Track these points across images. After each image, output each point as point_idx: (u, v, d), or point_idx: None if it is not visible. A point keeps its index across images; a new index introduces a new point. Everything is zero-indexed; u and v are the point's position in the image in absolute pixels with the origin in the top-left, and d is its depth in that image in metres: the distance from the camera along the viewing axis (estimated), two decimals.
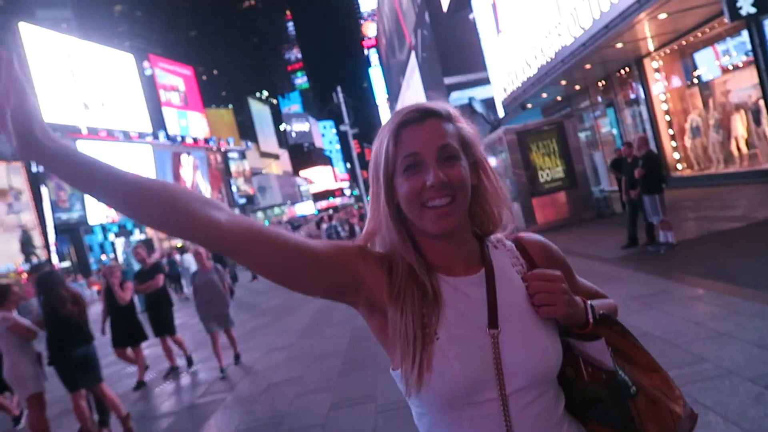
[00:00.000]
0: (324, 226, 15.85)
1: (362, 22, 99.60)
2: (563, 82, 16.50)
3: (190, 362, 7.61)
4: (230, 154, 57.26)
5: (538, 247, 1.12)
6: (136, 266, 10.30)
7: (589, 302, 1.05)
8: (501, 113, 21.72)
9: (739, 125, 12.13)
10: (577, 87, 18.19)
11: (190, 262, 20.05)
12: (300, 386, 5.57)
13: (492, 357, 0.97)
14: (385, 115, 76.67)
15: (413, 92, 42.68)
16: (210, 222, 0.92)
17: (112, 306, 6.96)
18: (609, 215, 13.06)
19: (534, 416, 0.98)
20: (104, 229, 38.56)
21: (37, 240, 32.80)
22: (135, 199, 0.91)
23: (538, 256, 1.11)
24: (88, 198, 37.13)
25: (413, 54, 38.15)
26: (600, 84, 17.64)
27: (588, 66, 14.43)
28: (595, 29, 11.40)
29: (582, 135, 18.56)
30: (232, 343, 7.33)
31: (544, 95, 18.50)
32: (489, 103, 22.30)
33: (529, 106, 19.95)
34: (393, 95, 59.62)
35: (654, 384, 1.06)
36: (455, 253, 1.05)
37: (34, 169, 34.14)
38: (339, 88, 32.91)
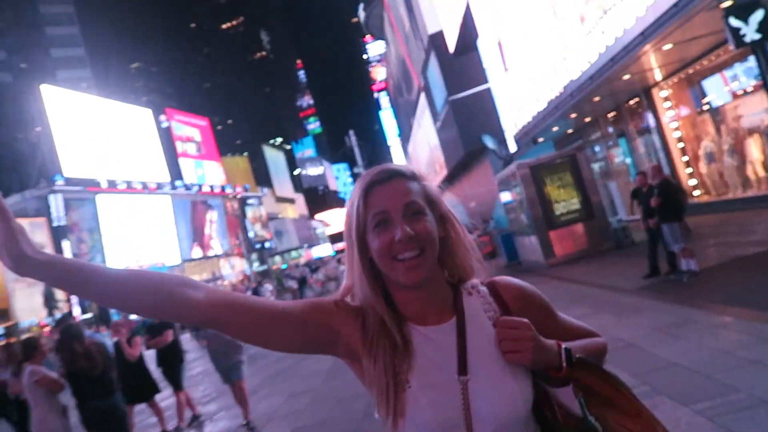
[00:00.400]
0: (342, 267, 15.89)
1: (370, 67, 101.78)
2: (573, 115, 16.62)
3: (193, 419, 7.52)
4: (247, 201, 57.94)
5: (511, 291, 1.16)
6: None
7: (564, 345, 1.08)
8: (513, 148, 21.84)
9: (754, 149, 12.08)
10: (588, 119, 18.29)
11: None
12: (325, 430, 5.51)
13: (461, 403, 1.01)
14: (397, 155, 77.36)
15: (424, 132, 43.16)
16: (189, 303, 1.01)
17: (121, 362, 6.94)
18: (628, 245, 12.94)
19: None
20: None
21: (60, 293, 33.16)
22: (121, 297, 1.01)
23: (512, 300, 1.14)
24: (107, 250, 37.73)
25: (422, 95, 38.74)
26: (610, 115, 17.73)
27: (597, 98, 14.55)
28: (602, 62, 11.55)
29: (596, 166, 18.56)
30: (244, 404, 6.66)
31: (555, 128, 18.62)
32: (500, 138, 22.48)
33: (541, 140, 20.06)
34: (404, 136, 60.41)
35: (635, 429, 1.06)
36: (427, 303, 1.10)
37: (55, 224, 34.81)
38: (351, 132, 33.42)
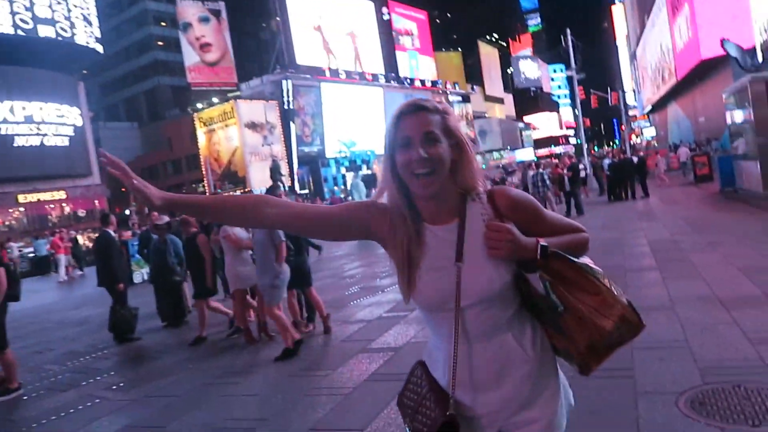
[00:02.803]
0: (531, 173, 15.75)
1: None
2: None
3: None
4: (455, 98, 58.26)
5: (504, 199, 1.47)
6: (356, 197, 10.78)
7: (541, 243, 1.41)
8: (761, 57, 18.57)
9: None
10: None
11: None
12: None
13: (455, 281, 1.41)
14: (623, 57, 70.06)
15: (658, 32, 38.21)
16: (268, 217, 1.53)
17: None
18: None
19: (484, 319, 1.44)
20: (337, 162, 42.92)
21: (284, 168, 37.97)
22: (226, 216, 1.60)
23: (504, 206, 1.46)
24: (327, 134, 41.59)
25: None
26: None
27: None
28: None
29: None
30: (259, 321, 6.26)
31: None
32: (749, 46, 19.17)
33: None
34: (634, 36, 53.98)
35: (593, 304, 1.39)
36: (438, 207, 1.47)
37: (285, 107, 39.13)
38: (568, 31, 31.04)
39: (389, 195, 1.49)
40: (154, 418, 4.61)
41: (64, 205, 35.42)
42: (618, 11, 75.54)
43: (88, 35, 35.21)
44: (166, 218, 9.69)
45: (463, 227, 1.44)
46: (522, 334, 1.47)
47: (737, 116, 13.72)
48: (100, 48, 36.70)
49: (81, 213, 36.01)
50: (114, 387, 5.73)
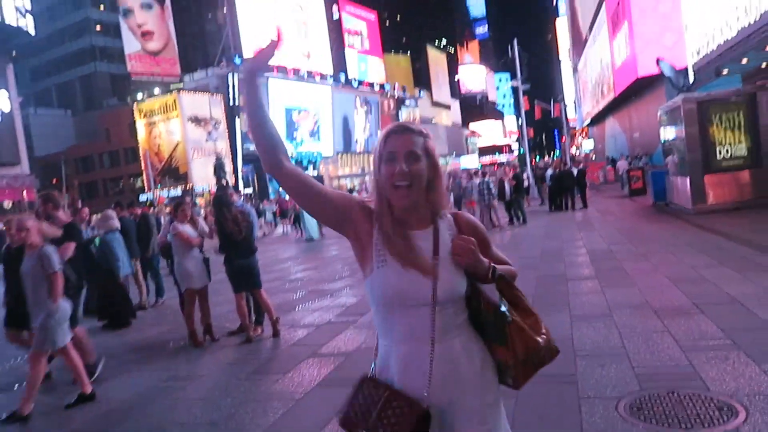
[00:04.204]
0: (476, 181, 16.05)
1: None
2: None
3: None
4: (403, 102, 58.74)
5: (466, 222, 1.73)
6: None
7: (493, 265, 1.64)
8: (692, 78, 19.66)
9: None
10: None
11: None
12: None
13: (431, 277, 1.57)
14: (565, 70, 72.58)
15: (599, 47, 39.80)
16: (284, 167, 1.63)
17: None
18: None
19: (440, 319, 1.57)
20: None
21: (228, 166, 37.21)
22: (260, 137, 1.62)
23: (465, 227, 1.71)
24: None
25: (604, 5, 35.41)
26: None
27: None
28: None
29: None
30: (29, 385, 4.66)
31: (745, 61, 16.41)
32: (682, 66, 20.28)
33: (725, 72, 17.85)
34: (577, 51, 56.06)
35: (527, 322, 1.64)
36: (413, 217, 1.65)
37: (231, 102, 38.35)
38: (515, 41, 31.91)
39: (375, 202, 1.65)
40: (96, 423, 4.45)
41: None
42: (561, 24, 78.12)
43: (18, 14, 33.37)
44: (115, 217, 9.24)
45: (437, 233, 1.63)
46: (469, 342, 1.63)
47: (670, 133, 14.51)
48: (31, 29, 34.85)
49: (7, 204, 34.10)
50: (50, 391, 5.48)
